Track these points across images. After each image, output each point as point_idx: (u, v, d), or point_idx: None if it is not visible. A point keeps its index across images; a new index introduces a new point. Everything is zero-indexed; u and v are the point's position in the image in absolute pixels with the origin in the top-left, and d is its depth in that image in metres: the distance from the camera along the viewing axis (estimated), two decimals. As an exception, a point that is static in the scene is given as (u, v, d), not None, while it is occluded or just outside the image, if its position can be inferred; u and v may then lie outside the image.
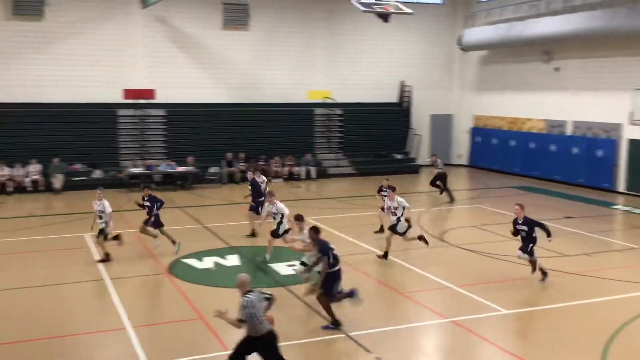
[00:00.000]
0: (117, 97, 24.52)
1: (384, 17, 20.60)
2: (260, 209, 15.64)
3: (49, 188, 22.47)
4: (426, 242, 13.99)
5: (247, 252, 14.26)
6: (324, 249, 9.83)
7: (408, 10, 20.70)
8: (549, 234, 11.99)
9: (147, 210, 14.12)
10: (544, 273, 12.08)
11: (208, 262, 13.51)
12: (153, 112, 25.57)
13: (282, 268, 13.08)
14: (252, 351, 7.48)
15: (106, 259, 13.36)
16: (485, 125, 29.79)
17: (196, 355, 8.92)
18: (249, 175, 16.76)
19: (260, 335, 7.38)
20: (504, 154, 28.28)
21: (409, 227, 13.70)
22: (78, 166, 23.82)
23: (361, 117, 28.63)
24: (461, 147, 31.28)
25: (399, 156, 29.03)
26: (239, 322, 7.35)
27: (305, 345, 9.34)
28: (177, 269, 13.03)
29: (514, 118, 28.01)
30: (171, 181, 23.94)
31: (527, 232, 12.04)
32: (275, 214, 13.44)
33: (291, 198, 22.14)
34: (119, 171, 23.95)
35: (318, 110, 28.24)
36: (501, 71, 28.86)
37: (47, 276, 12.59)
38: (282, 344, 9.26)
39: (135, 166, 23.98)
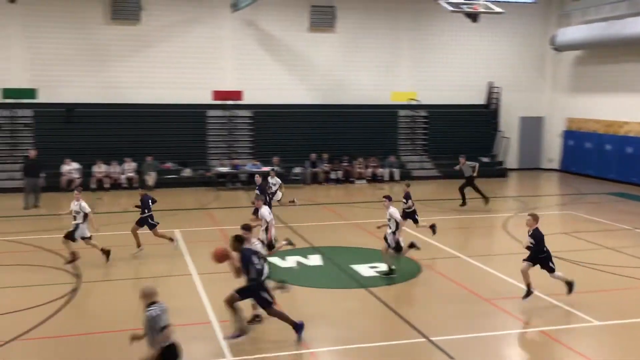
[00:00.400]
0: (207, 98, 25.31)
1: (473, 17, 20.19)
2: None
3: (142, 185, 23.46)
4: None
5: (329, 253, 14.32)
6: (245, 262, 9.11)
7: (498, 10, 20.19)
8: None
9: (140, 210, 14.07)
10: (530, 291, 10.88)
11: (291, 261, 13.66)
12: (240, 112, 26.21)
13: (364, 269, 13.04)
14: None
15: (73, 259, 13.07)
16: (579, 129, 28.54)
17: (278, 352, 9.04)
18: (257, 178, 16.57)
19: (168, 345, 6.96)
20: (599, 158, 26.98)
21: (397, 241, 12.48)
22: (169, 164, 24.76)
23: (446, 119, 28.14)
24: (552, 151, 30.12)
25: (485, 159, 28.30)
26: (168, 328, 6.91)
27: (385, 348, 9.26)
28: (261, 267, 13.25)
29: (611, 121, 26.67)
30: (256, 180, 24.41)
31: (535, 246, 10.86)
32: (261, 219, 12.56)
33: (374, 200, 22.07)
34: (207, 170, 24.71)
35: (402, 112, 28.01)
36: (597, 72, 27.55)
37: (140, 270, 13.15)
38: (362, 346, 9.27)
39: (222, 165, 24.66)
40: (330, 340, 9.68)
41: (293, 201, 18.27)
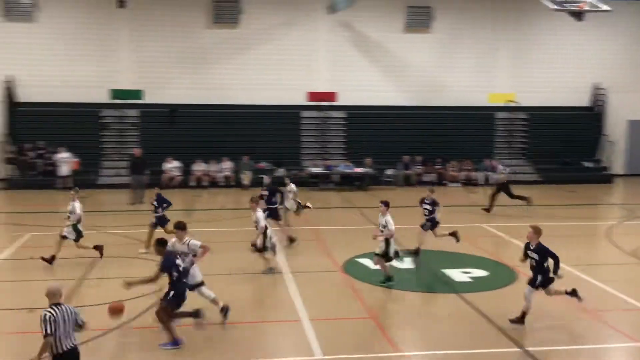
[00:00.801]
0: (302, 100, 25.69)
1: (578, 15, 19.34)
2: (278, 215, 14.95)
3: (238, 184, 24.20)
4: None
5: (422, 256, 14.12)
6: (166, 266, 8.93)
7: (605, 8, 19.24)
8: (555, 271, 9.78)
9: (153, 208, 14.09)
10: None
11: (382, 263, 13.58)
12: (334, 114, 26.41)
13: (457, 274, 12.77)
14: None
15: (50, 259, 12.74)
16: (693, 133, 26.66)
17: (366, 353, 9.02)
18: (265, 179, 16.31)
19: (61, 353, 6.67)
20: None
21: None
22: (264, 164, 25.32)
23: (547, 122, 27.06)
24: (663, 156, 28.29)
25: (588, 164, 27.02)
26: (47, 337, 6.55)
27: (477, 355, 9.01)
28: (351, 268, 13.29)
29: None
30: (349, 182, 24.53)
31: (537, 262, 9.81)
32: (255, 222, 12.33)
33: (466, 204, 21.57)
34: (300, 170, 25.07)
35: (500, 114, 27.23)
36: None
37: (231, 266, 13.51)
38: (452, 352, 9.06)
39: (315, 166, 24.94)
40: (420, 344, 9.56)
41: (307, 206, 17.57)
